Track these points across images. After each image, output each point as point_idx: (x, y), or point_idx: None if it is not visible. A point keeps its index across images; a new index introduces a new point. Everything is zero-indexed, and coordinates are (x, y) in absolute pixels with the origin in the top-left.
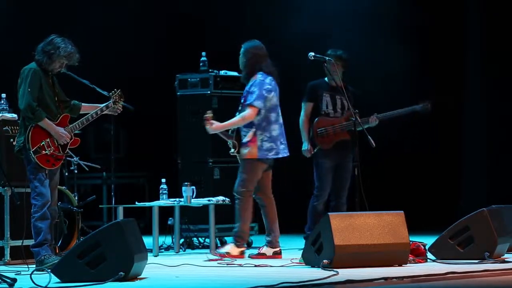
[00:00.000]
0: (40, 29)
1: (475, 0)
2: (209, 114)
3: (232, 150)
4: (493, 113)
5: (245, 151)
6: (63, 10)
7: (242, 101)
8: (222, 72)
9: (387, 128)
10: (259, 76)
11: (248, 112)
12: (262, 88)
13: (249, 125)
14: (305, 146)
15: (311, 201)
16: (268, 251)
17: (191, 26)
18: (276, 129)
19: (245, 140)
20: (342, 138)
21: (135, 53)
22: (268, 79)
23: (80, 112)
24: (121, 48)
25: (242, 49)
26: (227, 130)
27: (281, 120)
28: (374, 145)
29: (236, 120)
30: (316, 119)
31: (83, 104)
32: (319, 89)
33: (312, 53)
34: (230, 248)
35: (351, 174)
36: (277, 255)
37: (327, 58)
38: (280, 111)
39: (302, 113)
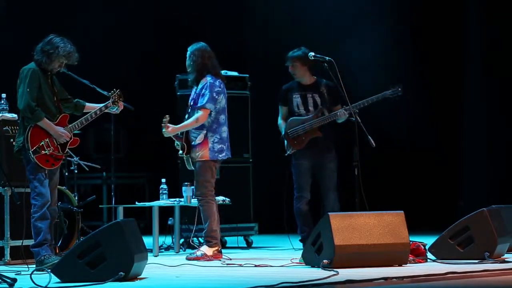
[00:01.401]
0: (40, 29)
1: (475, 0)
2: (166, 119)
3: (181, 152)
4: (493, 113)
5: (197, 153)
6: (63, 10)
7: (191, 103)
8: (222, 72)
9: (387, 128)
10: (209, 79)
11: (201, 114)
12: (213, 90)
13: (200, 127)
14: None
15: (294, 204)
16: (209, 250)
17: (191, 26)
18: (226, 131)
19: (196, 142)
20: (313, 136)
21: (135, 53)
22: (218, 82)
23: (84, 111)
24: (121, 48)
25: (188, 52)
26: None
27: (227, 122)
28: (374, 145)
29: (190, 122)
30: (288, 120)
31: (87, 103)
32: (289, 92)
33: (312, 53)
34: (205, 249)
35: (333, 173)
36: (218, 254)
37: (327, 58)
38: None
39: (279, 117)
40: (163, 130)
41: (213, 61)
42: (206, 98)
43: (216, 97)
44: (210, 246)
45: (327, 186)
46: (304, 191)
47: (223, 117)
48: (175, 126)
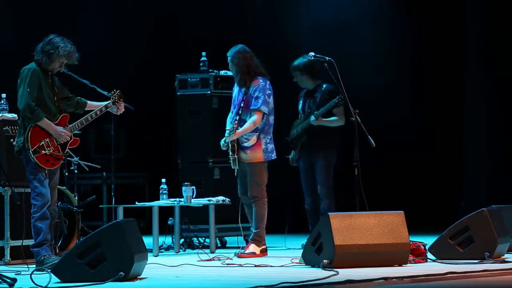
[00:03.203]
0: (40, 29)
1: (475, 0)
2: (235, 126)
3: (231, 153)
4: (493, 113)
5: (250, 155)
6: (63, 10)
7: (242, 105)
8: (222, 72)
9: (387, 128)
10: (261, 81)
11: (257, 117)
12: (265, 93)
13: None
14: (291, 154)
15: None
16: (257, 249)
17: (191, 26)
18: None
19: (248, 144)
20: (302, 139)
21: (135, 53)
22: (268, 84)
23: (86, 109)
24: (121, 48)
25: (228, 58)
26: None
27: None
28: (374, 145)
29: (249, 126)
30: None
31: (88, 102)
32: (299, 97)
33: (312, 53)
34: (253, 248)
35: (320, 171)
36: (264, 252)
37: (328, 58)
38: None
39: None
40: (228, 135)
41: (255, 60)
42: (260, 101)
43: (268, 99)
44: (258, 246)
45: (318, 184)
46: (305, 191)
47: (272, 118)
48: (236, 131)
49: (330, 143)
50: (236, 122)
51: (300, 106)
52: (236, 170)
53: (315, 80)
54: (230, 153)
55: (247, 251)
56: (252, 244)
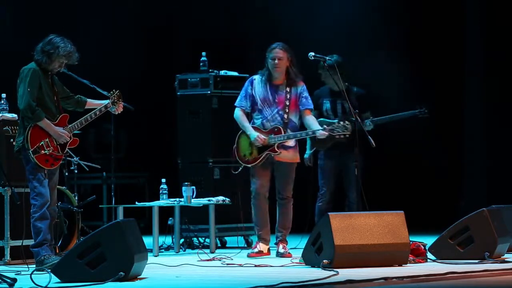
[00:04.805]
0: (41, 28)
1: (475, 1)
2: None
3: (277, 150)
4: (493, 114)
5: (293, 155)
6: (63, 9)
7: (287, 103)
8: (222, 72)
9: (387, 128)
10: (303, 82)
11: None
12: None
13: (295, 129)
14: (306, 154)
15: (316, 201)
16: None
17: (192, 26)
18: None
19: (293, 143)
20: (337, 140)
21: (135, 53)
22: None
23: (86, 107)
24: (121, 48)
25: (281, 52)
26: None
27: None
28: (374, 145)
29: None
30: (317, 121)
31: (88, 100)
32: (320, 97)
33: (312, 53)
34: (283, 248)
35: (355, 175)
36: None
37: (327, 58)
38: None
39: None
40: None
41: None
42: (310, 101)
43: None
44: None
45: (348, 186)
46: (326, 190)
47: None
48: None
49: (358, 145)
50: (286, 121)
51: (328, 105)
52: (241, 167)
53: (345, 81)
54: (276, 150)
55: (283, 251)
56: (282, 244)
